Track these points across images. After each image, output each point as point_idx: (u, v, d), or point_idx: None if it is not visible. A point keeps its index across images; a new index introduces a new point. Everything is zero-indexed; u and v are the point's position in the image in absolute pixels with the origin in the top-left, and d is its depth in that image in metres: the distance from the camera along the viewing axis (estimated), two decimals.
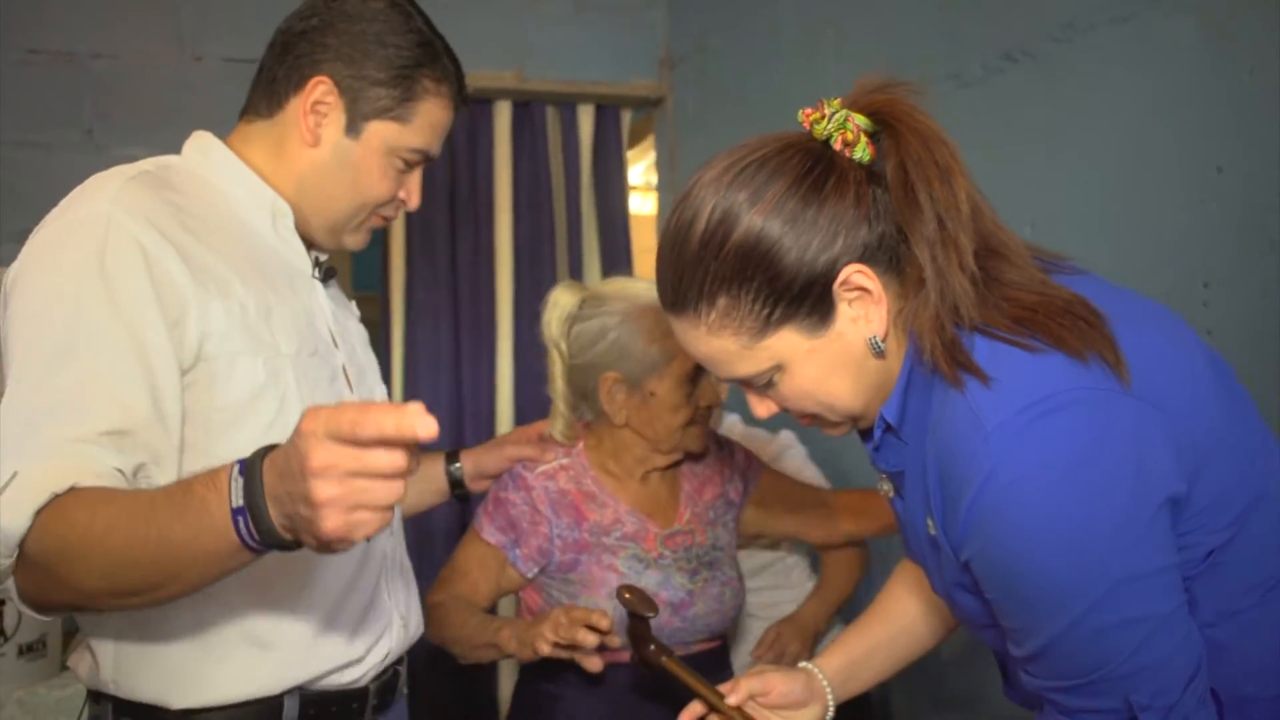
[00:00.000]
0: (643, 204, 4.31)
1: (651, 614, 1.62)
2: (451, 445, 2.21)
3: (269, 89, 1.50)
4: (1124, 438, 1.00)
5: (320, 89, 1.46)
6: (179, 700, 1.33)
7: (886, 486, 1.27)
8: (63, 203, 1.34)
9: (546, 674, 1.88)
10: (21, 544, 1.14)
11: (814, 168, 1.12)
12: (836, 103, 1.14)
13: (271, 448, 1.06)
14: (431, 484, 1.95)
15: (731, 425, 2.55)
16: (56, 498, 1.15)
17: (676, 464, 2.00)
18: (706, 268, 1.12)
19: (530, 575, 1.93)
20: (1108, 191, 1.87)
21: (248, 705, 1.37)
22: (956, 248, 1.08)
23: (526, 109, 3.50)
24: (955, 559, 1.11)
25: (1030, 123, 2.03)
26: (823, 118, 1.13)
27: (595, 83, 3.50)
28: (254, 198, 1.48)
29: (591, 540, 1.91)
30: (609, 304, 1.93)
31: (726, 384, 1.91)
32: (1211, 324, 1.67)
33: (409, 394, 3.37)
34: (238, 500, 1.05)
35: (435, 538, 3.26)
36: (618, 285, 1.99)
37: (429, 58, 1.50)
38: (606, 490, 1.95)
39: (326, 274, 1.57)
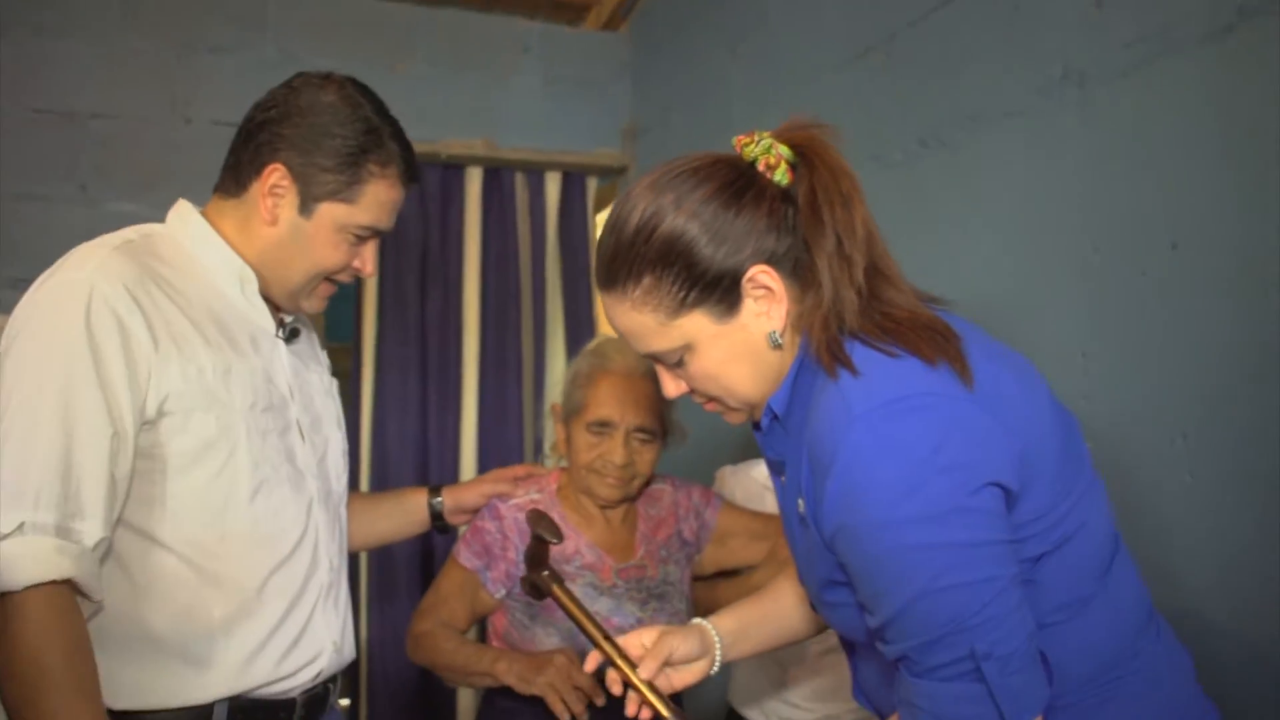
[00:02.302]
0: None
1: (554, 540, 1.71)
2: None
3: (235, 171, 1.68)
4: (963, 437, 1.17)
5: (276, 175, 1.64)
6: (119, 703, 1.48)
7: (781, 478, 1.42)
8: (56, 265, 1.54)
9: (509, 692, 2.02)
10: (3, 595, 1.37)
11: (738, 180, 1.30)
12: (765, 134, 1.33)
13: None
14: (413, 515, 2.13)
15: (722, 472, 2.61)
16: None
17: (628, 502, 2.17)
18: (637, 251, 1.29)
19: (499, 596, 2.11)
20: (1002, 264, 2.05)
21: (180, 711, 1.54)
22: (849, 264, 1.27)
23: (496, 175, 3.64)
24: (820, 537, 1.26)
25: (943, 201, 2.21)
26: (752, 143, 1.32)
27: (562, 151, 3.66)
28: (225, 265, 1.66)
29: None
30: (584, 352, 2.18)
31: (645, 452, 2.09)
32: (1089, 390, 1.84)
33: (377, 440, 3.50)
34: None
35: (398, 562, 3.40)
36: (604, 339, 2.23)
37: (374, 144, 1.66)
38: (570, 525, 2.13)
39: (291, 334, 1.75)
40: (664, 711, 1.52)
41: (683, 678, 1.58)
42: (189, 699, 1.53)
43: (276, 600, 1.61)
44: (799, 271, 1.31)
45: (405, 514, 2.12)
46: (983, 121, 2.10)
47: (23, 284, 1.54)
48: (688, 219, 1.28)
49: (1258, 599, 1.58)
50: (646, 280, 1.30)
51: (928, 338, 1.24)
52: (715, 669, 1.61)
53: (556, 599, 1.66)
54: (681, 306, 1.30)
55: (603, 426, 2.09)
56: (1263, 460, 1.56)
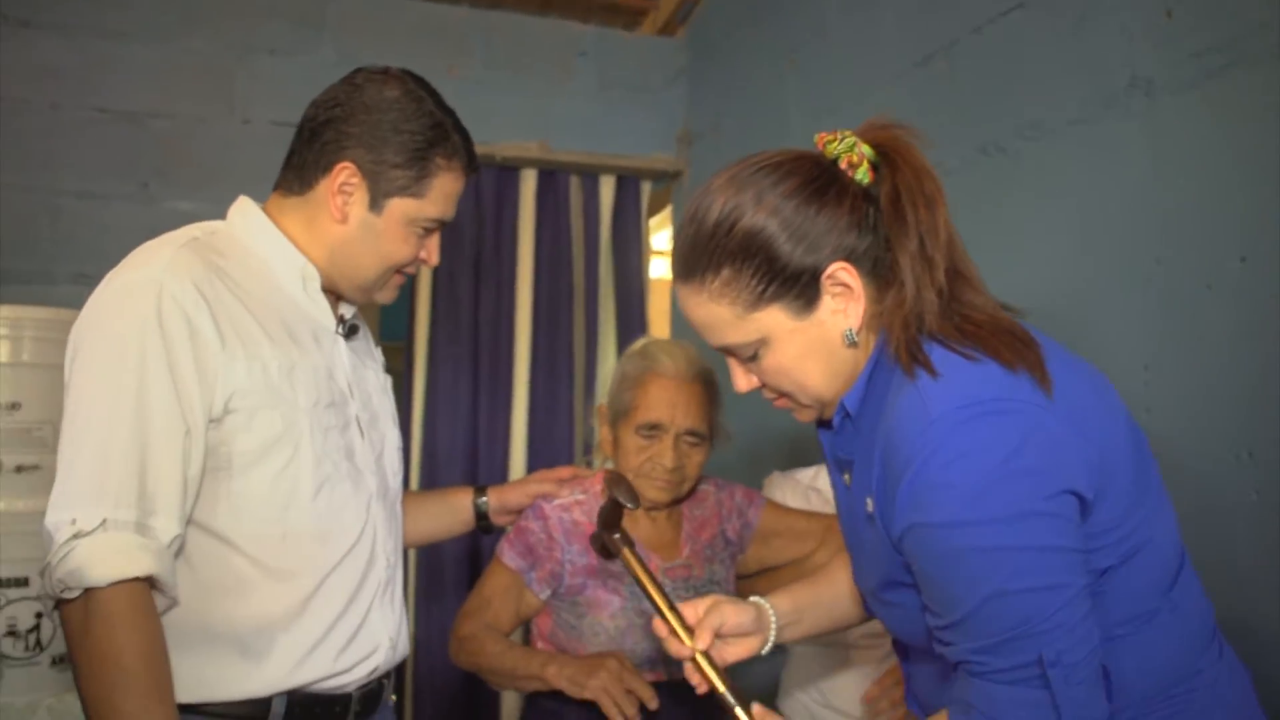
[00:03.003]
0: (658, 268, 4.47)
1: (631, 505, 1.71)
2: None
3: (299, 171, 1.68)
4: (1040, 444, 1.17)
5: (345, 173, 1.64)
6: (180, 696, 1.48)
7: (844, 476, 1.41)
8: (124, 263, 1.56)
9: (554, 693, 2.02)
10: (85, 592, 1.38)
11: (821, 176, 1.30)
12: (848, 132, 1.33)
13: None
14: (459, 515, 2.14)
15: (772, 478, 2.60)
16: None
17: (674, 504, 2.17)
18: (718, 243, 1.29)
19: (544, 597, 2.11)
20: (1063, 275, 2.02)
21: (239, 704, 1.55)
22: (931, 265, 1.27)
23: (551, 177, 3.65)
24: (888, 537, 1.26)
25: (1003, 210, 2.19)
26: (835, 140, 1.32)
27: (616, 155, 3.67)
28: (287, 262, 1.67)
29: (599, 566, 2.08)
30: (630, 354, 2.17)
31: (694, 455, 2.08)
32: (1150, 403, 1.81)
33: (427, 439, 3.53)
34: None
35: (445, 561, 3.42)
36: (650, 341, 2.23)
37: (440, 138, 1.67)
38: None
39: (350, 331, 1.75)
40: (718, 684, 1.50)
41: (734, 651, 1.57)
42: (247, 692, 1.55)
43: (335, 596, 1.62)
44: (878, 271, 1.31)
45: (451, 513, 2.12)
46: (1045, 130, 2.08)
47: (84, 279, 1.56)
48: (769, 214, 1.28)
49: None
50: (725, 272, 1.30)
51: (1008, 343, 1.24)
52: (768, 648, 1.60)
53: (625, 561, 1.67)
54: (759, 300, 1.30)
55: (653, 429, 2.09)
56: None
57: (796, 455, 2.83)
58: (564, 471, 2.21)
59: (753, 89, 3.32)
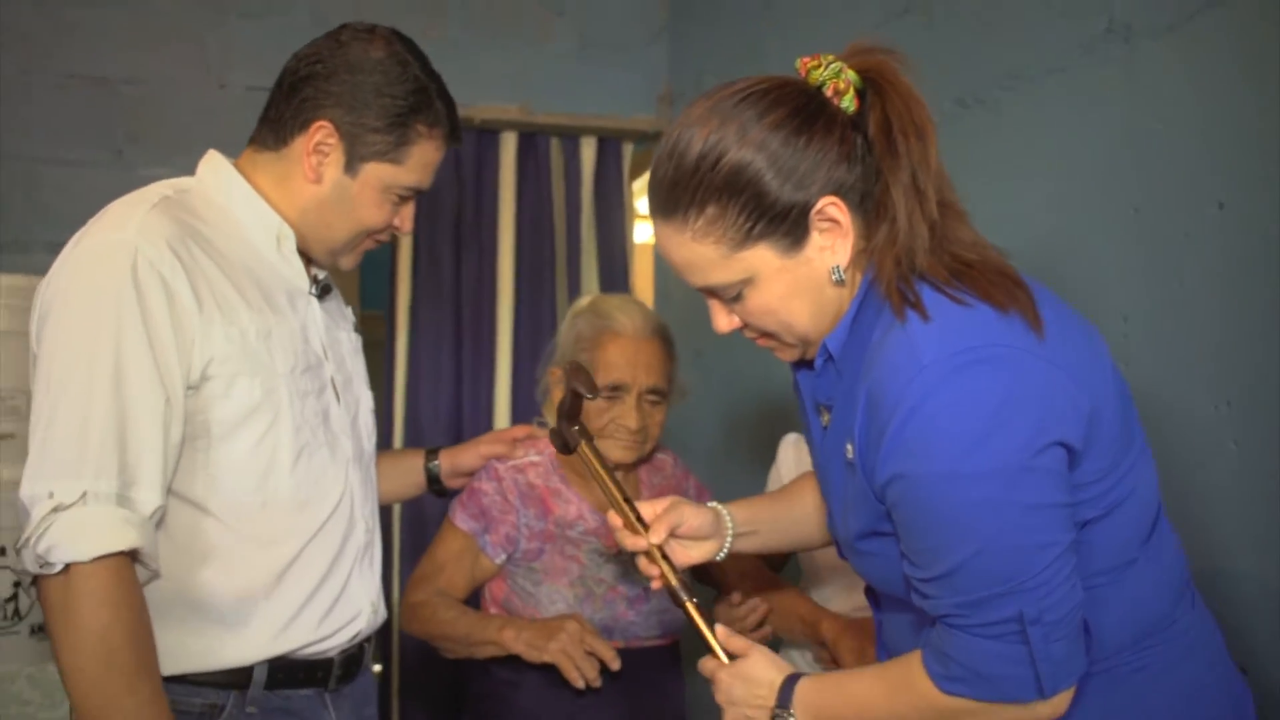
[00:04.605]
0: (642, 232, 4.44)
1: (590, 396, 1.67)
2: None
3: (275, 126, 1.65)
4: (1032, 392, 1.16)
5: (322, 133, 1.61)
6: (162, 668, 1.46)
7: (823, 419, 1.39)
8: (93, 224, 1.52)
9: (509, 662, 2.01)
10: (66, 567, 1.36)
11: (807, 105, 1.25)
12: (831, 57, 1.29)
13: None
14: (409, 476, 2.11)
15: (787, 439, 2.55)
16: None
17: (633, 467, 2.15)
18: (701, 178, 1.24)
19: (499, 561, 2.08)
20: (1041, 225, 2.01)
21: (220, 673, 1.54)
22: (923, 198, 1.23)
23: (531, 140, 3.62)
24: (869, 485, 1.24)
25: (981, 161, 2.17)
26: (819, 65, 1.28)
27: (598, 116, 3.62)
28: (261, 221, 1.64)
29: (556, 532, 2.06)
30: (579, 312, 2.11)
31: (656, 413, 2.06)
32: (1130, 356, 1.80)
33: (410, 407, 3.51)
34: None
35: (429, 523, 3.37)
36: (598, 298, 2.18)
37: (423, 104, 1.64)
38: (572, 488, 2.10)
39: (323, 290, 1.73)
40: (671, 578, 1.52)
41: (689, 554, 1.57)
42: (229, 661, 1.54)
43: (316, 563, 1.61)
44: (865, 205, 1.27)
45: (400, 475, 2.10)
46: (1024, 80, 2.05)
47: (58, 247, 1.52)
48: (756, 148, 1.23)
49: None
50: (710, 210, 1.25)
51: (1000, 284, 1.22)
52: (723, 554, 1.60)
53: (582, 455, 1.64)
54: (746, 239, 1.26)
55: (615, 390, 2.05)
56: None
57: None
58: (518, 431, 2.19)
59: (733, 45, 3.29)
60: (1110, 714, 1.29)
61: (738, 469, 2.95)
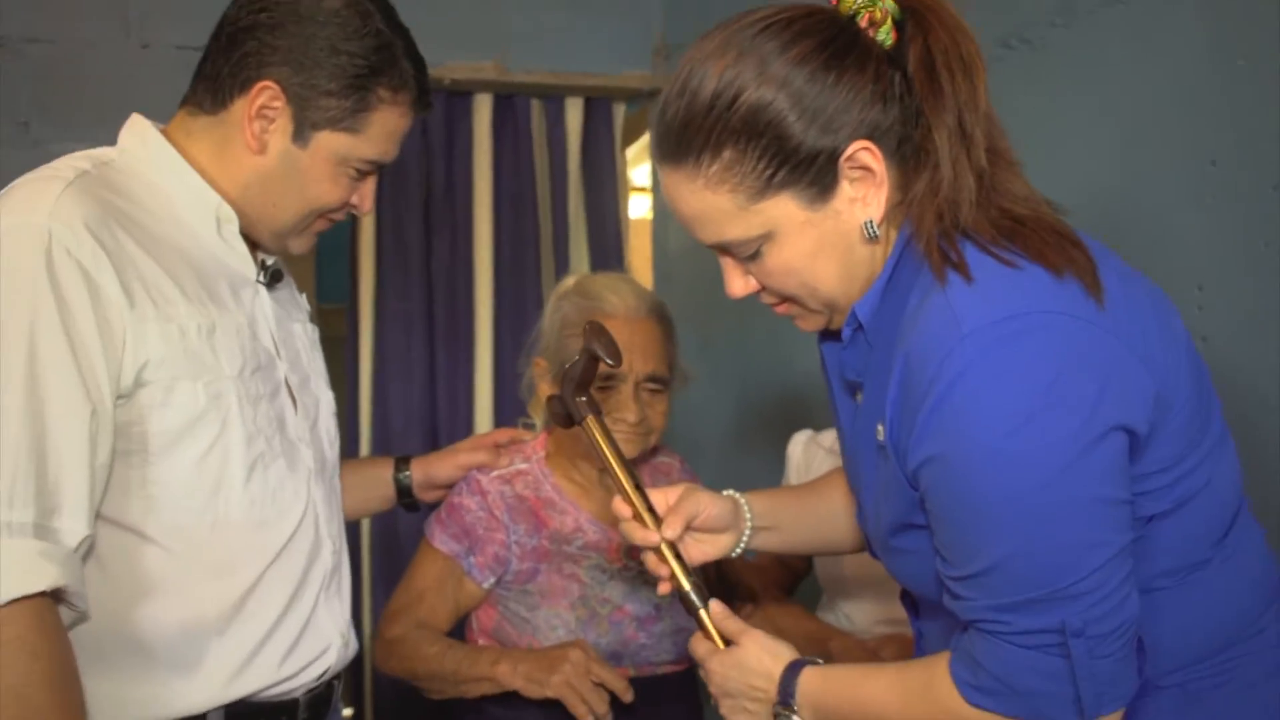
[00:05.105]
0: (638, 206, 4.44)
1: (612, 362, 1.64)
2: None
3: (212, 84, 1.59)
4: (1090, 367, 1.13)
5: (266, 94, 1.55)
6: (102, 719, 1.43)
7: (855, 396, 1.37)
8: None
9: (505, 699, 1.98)
10: None
11: (838, 36, 1.23)
12: None
13: None
14: (377, 489, 2.08)
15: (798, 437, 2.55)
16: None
17: (643, 460, 2.12)
18: (718, 117, 1.22)
19: (486, 585, 2.06)
20: (1101, 181, 1.98)
21: None
22: (971, 143, 1.21)
23: (509, 102, 3.61)
24: (901, 470, 1.22)
25: (1029, 111, 2.14)
26: None
27: (584, 74, 3.60)
28: (198, 200, 1.59)
29: (551, 548, 2.03)
30: (564, 294, 2.08)
31: (657, 403, 2.03)
32: (1207, 330, 1.77)
33: (378, 411, 3.50)
34: None
35: (404, 542, 3.37)
36: (584, 277, 2.15)
37: (386, 63, 1.58)
38: (567, 498, 2.07)
39: (273, 277, 1.68)
40: (683, 581, 1.51)
41: (702, 549, 1.58)
42: (177, 710, 1.49)
43: (276, 592, 1.57)
44: (903, 151, 1.25)
45: (366, 488, 2.07)
46: (1077, 14, 2.02)
47: None
48: (778, 86, 1.21)
49: None
50: (727, 154, 1.23)
51: (1054, 243, 1.19)
52: (739, 549, 1.61)
53: (587, 430, 1.61)
54: (768, 187, 1.24)
55: (608, 380, 2.00)
56: None
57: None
58: (500, 435, 2.16)
59: None
60: None
61: (752, 474, 2.94)
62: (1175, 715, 1.27)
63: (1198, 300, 1.79)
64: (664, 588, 1.54)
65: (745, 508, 1.60)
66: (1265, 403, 1.68)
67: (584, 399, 1.62)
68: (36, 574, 1.32)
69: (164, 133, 1.62)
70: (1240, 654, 1.28)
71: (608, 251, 3.69)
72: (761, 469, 2.59)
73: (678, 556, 1.52)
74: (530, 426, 2.20)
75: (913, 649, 2.05)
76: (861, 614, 2.27)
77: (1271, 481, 1.64)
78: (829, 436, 2.42)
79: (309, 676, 1.62)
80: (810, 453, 2.44)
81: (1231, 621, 1.28)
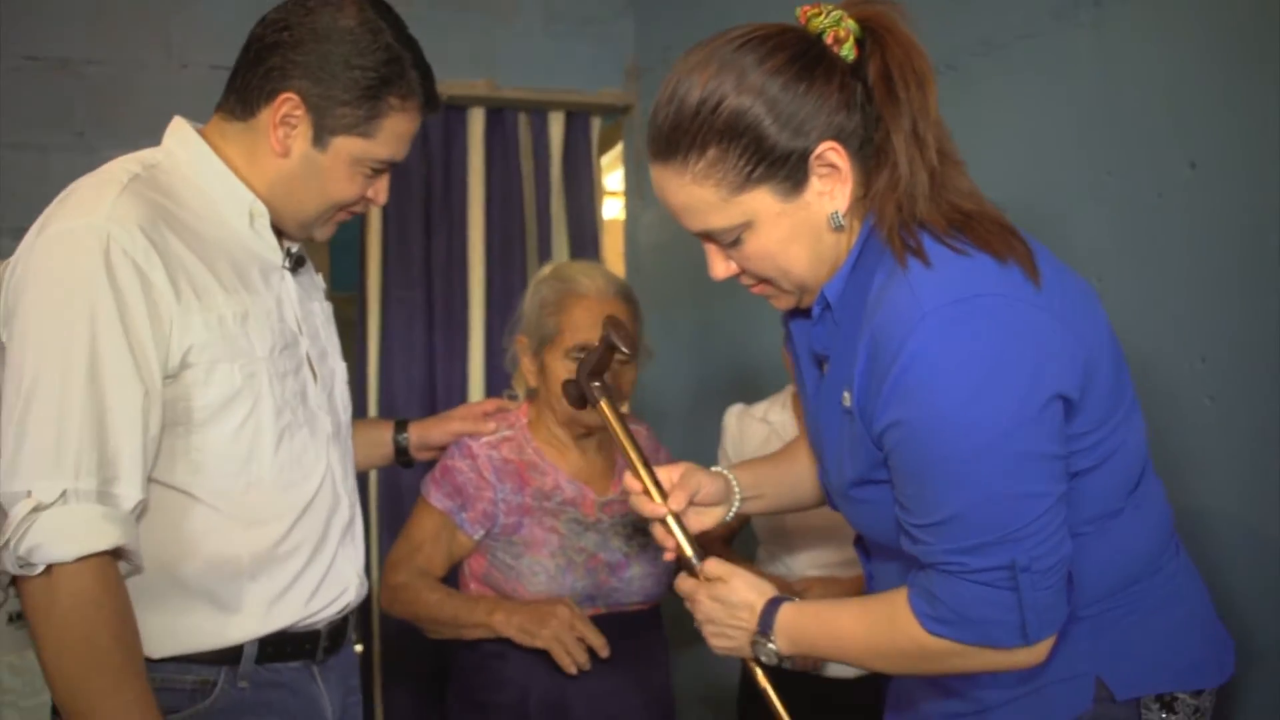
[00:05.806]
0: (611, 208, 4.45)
1: (627, 353, 1.65)
2: None
3: (242, 95, 1.59)
4: (1031, 342, 1.18)
5: (288, 105, 1.55)
6: (149, 652, 1.45)
7: (820, 368, 1.41)
8: (60, 207, 1.47)
9: (496, 638, 2.03)
10: (48, 568, 1.34)
11: (808, 51, 1.26)
12: (831, 5, 1.30)
13: None
14: (378, 448, 2.11)
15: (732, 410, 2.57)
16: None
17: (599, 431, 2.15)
18: (703, 121, 1.25)
19: (476, 538, 2.09)
20: (1015, 190, 2.00)
21: (210, 654, 1.53)
22: (924, 145, 1.25)
23: (499, 116, 3.61)
24: (866, 431, 1.26)
25: (954, 128, 2.17)
26: (820, 14, 1.29)
27: (565, 90, 3.62)
28: (233, 196, 1.59)
29: (534, 504, 2.07)
30: (542, 279, 2.12)
31: (626, 373, 2.06)
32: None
33: (383, 387, 3.51)
34: None
35: (404, 495, 3.38)
36: (559, 264, 2.19)
37: (395, 75, 1.57)
38: (547, 459, 2.12)
39: (296, 263, 1.70)
40: (686, 549, 1.53)
41: (700, 520, 1.60)
42: (218, 642, 1.53)
43: (302, 544, 1.60)
44: (865, 152, 1.29)
45: (370, 446, 2.08)
46: (995, 46, 2.08)
47: (22, 233, 1.49)
48: (755, 94, 1.24)
49: (1277, 521, 1.58)
50: (711, 153, 1.26)
51: (998, 233, 1.24)
52: (729, 517, 1.64)
53: (602, 413, 1.63)
54: (747, 182, 1.27)
55: (583, 351, 2.02)
56: None
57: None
58: (488, 404, 2.18)
59: (701, 17, 3.28)
60: (1098, 657, 1.33)
61: (710, 439, 2.96)
62: (1088, 641, 1.33)
63: (1099, 289, 1.80)
64: (668, 556, 1.56)
65: (734, 481, 1.63)
66: (1155, 371, 1.74)
67: (598, 384, 1.65)
68: (100, 535, 1.35)
69: (202, 135, 1.62)
70: (1143, 589, 1.35)
71: (585, 247, 3.70)
72: (717, 435, 2.63)
73: (681, 526, 1.55)
74: (514, 397, 2.23)
75: (835, 589, 2.12)
76: (799, 562, 2.32)
77: (1163, 439, 1.66)
78: (760, 408, 2.45)
79: (330, 612, 1.65)
80: (744, 423, 2.47)
81: (1139, 560, 1.34)
